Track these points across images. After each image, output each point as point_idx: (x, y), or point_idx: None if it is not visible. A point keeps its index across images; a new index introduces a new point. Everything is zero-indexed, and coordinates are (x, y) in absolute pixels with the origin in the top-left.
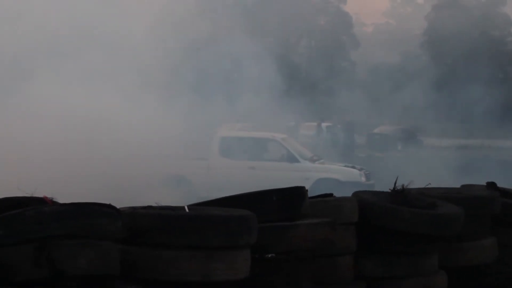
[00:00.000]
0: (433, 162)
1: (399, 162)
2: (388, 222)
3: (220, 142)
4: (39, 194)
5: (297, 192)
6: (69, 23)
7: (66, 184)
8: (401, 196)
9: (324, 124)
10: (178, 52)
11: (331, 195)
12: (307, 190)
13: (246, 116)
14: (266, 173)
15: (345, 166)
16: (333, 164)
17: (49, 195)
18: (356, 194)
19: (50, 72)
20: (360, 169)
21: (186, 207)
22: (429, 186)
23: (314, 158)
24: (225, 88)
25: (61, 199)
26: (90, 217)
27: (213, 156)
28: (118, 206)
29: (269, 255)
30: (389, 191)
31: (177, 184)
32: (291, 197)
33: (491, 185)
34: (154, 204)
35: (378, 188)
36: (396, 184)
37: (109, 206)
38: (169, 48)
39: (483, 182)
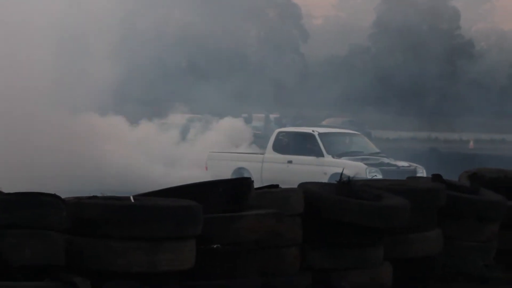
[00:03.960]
0: None
1: None
2: (335, 214)
3: (275, 136)
4: None
5: (243, 183)
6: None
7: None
8: (347, 187)
9: (272, 116)
10: (131, 43)
11: (277, 186)
12: (253, 181)
13: (201, 107)
14: (297, 167)
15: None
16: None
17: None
18: (302, 185)
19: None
20: (408, 166)
21: (131, 197)
22: (375, 177)
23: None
24: (176, 79)
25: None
26: (34, 207)
27: (268, 150)
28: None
29: (215, 246)
30: (336, 182)
31: (239, 175)
32: (237, 188)
33: (437, 177)
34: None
35: None
36: (343, 176)
37: (54, 196)
38: (122, 37)
39: (429, 174)
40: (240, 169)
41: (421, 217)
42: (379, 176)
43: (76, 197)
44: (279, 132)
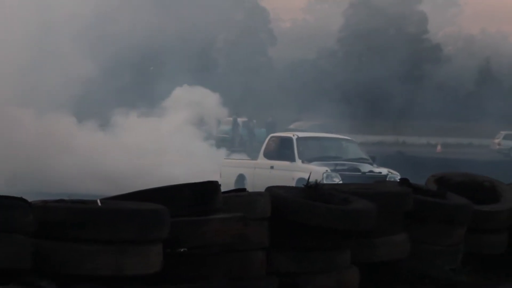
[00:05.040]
0: None
1: None
2: (302, 217)
3: (267, 142)
4: None
5: (210, 187)
6: None
7: None
8: (314, 191)
9: (240, 120)
10: (100, 45)
11: (244, 190)
12: (220, 185)
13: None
14: (277, 173)
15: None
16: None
17: None
18: (269, 189)
19: None
20: (379, 173)
21: (98, 201)
22: (336, 183)
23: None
24: (143, 82)
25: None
26: (0, 210)
27: (260, 156)
28: None
29: (182, 250)
30: (303, 186)
31: (238, 182)
32: (204, 192)
33: (404, 181)
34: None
35: None
36: (310, 180)
37: (20, 199)
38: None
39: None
40: (240, 175)
41: (388, 221)
42: (339, 181)
43: (43, 201)
44: (271, 137)
